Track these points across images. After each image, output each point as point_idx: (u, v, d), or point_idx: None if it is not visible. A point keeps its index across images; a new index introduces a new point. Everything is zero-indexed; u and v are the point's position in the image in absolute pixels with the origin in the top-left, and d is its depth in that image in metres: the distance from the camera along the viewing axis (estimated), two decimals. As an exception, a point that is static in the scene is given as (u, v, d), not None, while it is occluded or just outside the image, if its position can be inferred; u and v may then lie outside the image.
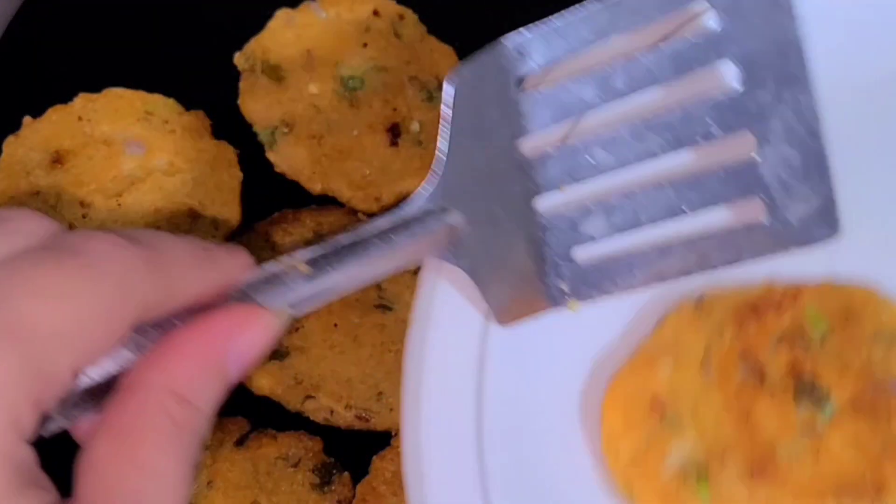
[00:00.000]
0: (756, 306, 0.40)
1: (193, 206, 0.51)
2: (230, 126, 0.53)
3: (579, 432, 0.40)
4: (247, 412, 0.47)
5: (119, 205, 0.50)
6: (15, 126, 0.52)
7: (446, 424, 0.38)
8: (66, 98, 0.52)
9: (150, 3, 0.57)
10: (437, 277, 0.40)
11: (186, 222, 0.50)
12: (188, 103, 0.53)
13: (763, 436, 0.39)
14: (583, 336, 0.41)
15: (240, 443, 0.46)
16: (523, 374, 0.40)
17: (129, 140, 0.52)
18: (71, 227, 0.50)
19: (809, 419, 0.39)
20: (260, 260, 0.51)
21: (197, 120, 0.53)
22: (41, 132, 0.52)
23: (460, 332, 0.39)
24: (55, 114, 0.52)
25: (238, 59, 0.54)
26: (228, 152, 0.52)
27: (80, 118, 0.52)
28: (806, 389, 0.39)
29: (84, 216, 0.50)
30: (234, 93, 0.53)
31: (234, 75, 0.54)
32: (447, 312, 0.40)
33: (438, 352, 0.39)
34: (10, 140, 0.52)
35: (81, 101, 0.52)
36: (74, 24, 0.56)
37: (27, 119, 0.52)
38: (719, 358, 0.40)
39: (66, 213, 0.50)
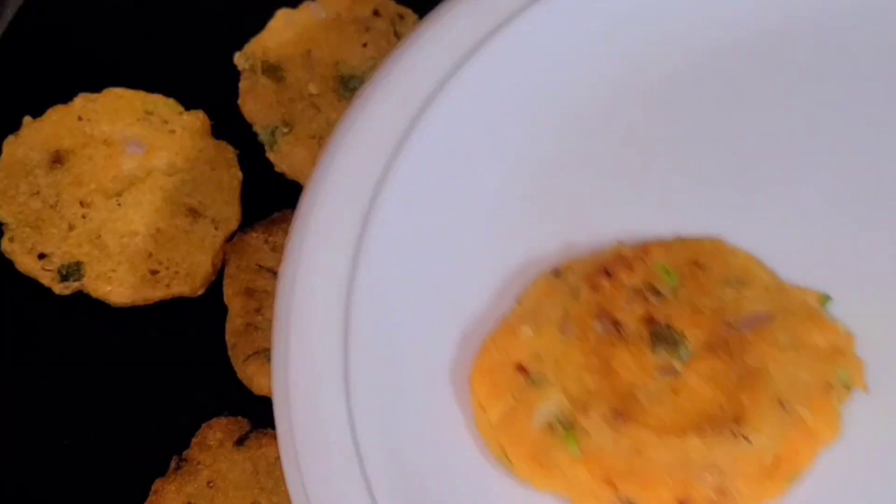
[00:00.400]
0: (608, 267, 0.42)
1: (193, 206, 0.51)
2: (230, 126, 0.53)
3: (452, 405, 0.41)
4: (247, 412, 0.47)
5: (119, 205, 0.50)
6: (15, 126, 0.52)
7: (314, 399, 0.39)
8: (66, 98, 0.52)
9: (150, 3, 0.57)
10: (301, 246, 0.41)
11: (186, 222, 0.50)
12: (188, 103, 0.53)
13: (623, 382, 0.40)
14: (449, 313, 0.42)
15: (240, 443, 0.46)
16: (391, 350, 0.41)
17: (129, 140, 0.52)
18: (71, 227, 0.50)
19: (667, 362, 0.40)
20: (259, 260, 0.51)
21: (197, 120, 0.53)
22: (41, 132, 0.52)
23: (322, 313, 0.40)
24: (55, 114, 0.52)
25: (238, 59, 0.54)
26: (228, 152, 0.52)
27: (80, 118, 0.52)
28: (661, 336, 0.41)
29: (84, 216, 0.50)
30: (234, 93, 0.53)
31: (234, 75, 0.54)
32: (310, 281, 0.41)
33: (303, 328, 0.40)
34: (10, 140, 0.52)
35: (81, 101, 0.52)
36: (74, 24, 0.56)
37: (27, 119, 0.52)
38: (577, 318, 0.41)
39: (66, 213, 0.50)
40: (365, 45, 0.54)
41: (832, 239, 0.44)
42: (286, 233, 0.50)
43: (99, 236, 0.50)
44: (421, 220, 0.43)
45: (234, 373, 0.48)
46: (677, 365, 0.40)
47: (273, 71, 0.54)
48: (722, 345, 0.40)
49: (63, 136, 0.52)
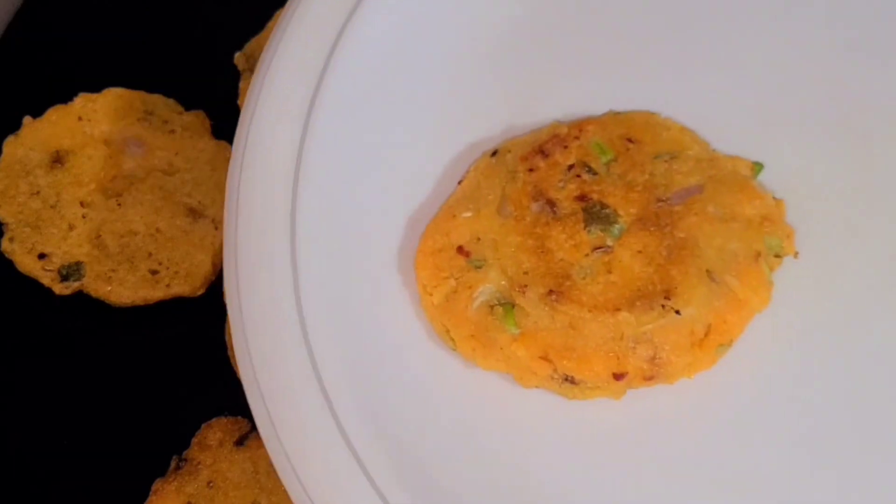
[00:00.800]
0: (544, 147, 0.43)
1: (193, 206, 0.51)
2: (230, 126, 0.53)
3: (400, 288, 0.42)
4: (247, 412, 0.47)
5: (119, 205, 0.50)
6: (15, 126, 0.52)
7: (263, 287, 0.40)
8: (66, 98, 0.52)
9: (150, 3, 0.57)
10: (251, 125, 0.42)
11: (186, 222, 0.50)
12: (188, 103, 0.53)
13: (559, 261, 0.41)
14: (395, 198, 0.43)
15: (240, 443, 0.46)
16: (338, 237, 0.41)
17: (129, 140, 0.52)
18: (71, 227, 0.50)
19: (600, 240, 0.41)
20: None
21: (197, 120, 0.53)
22: (41, 132, 0.52)
23: (269, 200, 0.41)
24: (55, 114, 0.52)
25: (238, 59, 0.54)
26: (228, 152, 0.52)
27: (80, 118, 0.52)
28: (594, 213, 0.41)
29: (84, 216, 0.50)
30: (234, 93, 0.53)
31: (234, 75, 0.54)
32: (258, 168, 0.41)
33: (251, 217, 0.41)
34: (10, 140, 0.52)
35: (81, 101, 0.52)
36: (74, 24, 0.56)
37: (27, 119, 0.52)
38: (514, 199, 0.42)
39: (66, 213, 0.50)
40: (365, 45, 0.54)
41: (764, 106, 0.44)
42: (286, 233, 0.50)
43: (99, 236, 0.50)
44: (365, 108, 0.44)
45: (234, 373, 0.48)
46: (610, 242, 0.41)
47: (273, 71, 0.54)
48: (653, 219, 0.41)
49: (63, 136, 0.52)
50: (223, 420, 0.47)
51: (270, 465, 0.46)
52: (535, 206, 0.42)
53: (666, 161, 0.43)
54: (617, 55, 0.45)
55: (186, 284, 0.49)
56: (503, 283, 0.41)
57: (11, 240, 0.50)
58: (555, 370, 0.39)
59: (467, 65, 0.45)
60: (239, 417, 0.47)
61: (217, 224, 0.50)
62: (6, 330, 0.50)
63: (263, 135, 0.42)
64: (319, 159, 0.42)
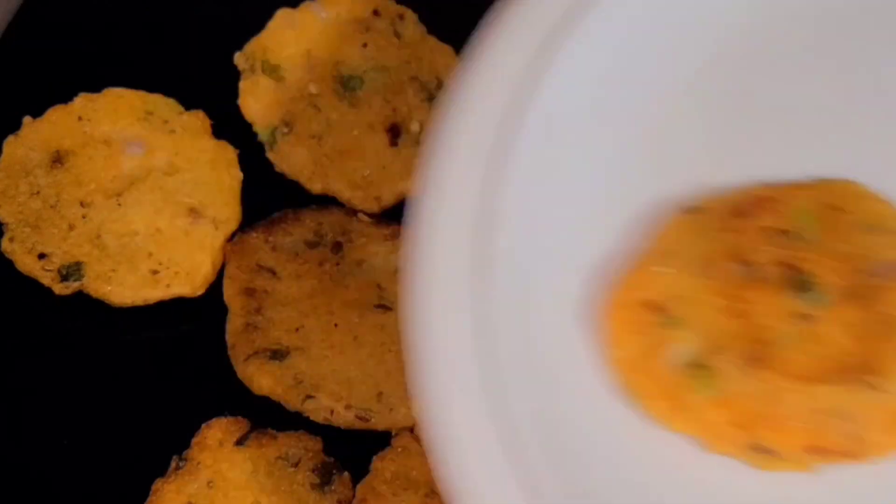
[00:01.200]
0: (747, 208, 0.42)
1: (193, 205, 0.51)
2: (230, 126, 0.53)
3: (582, 342, 0.41)
4: (247, 412, 0.47)
5: (119, 205, 0.50)
6: (15, 126, 0.52)
7: (444, 332, 0.38)
8: (66, 98, 0.52)
9: (149, 3, 0.57)
10: (435, 168, 0.40)
11: (186, 222, 0.50)
12: (188, 103, 0.53)
13: (757, 326, 0.39)
14: (578, 251, 0.42)
15: (240, 443, 0.46)
16: (518, 289, 0.40)
17: (129, 140, 0.52)
18: (71, 227, 0.50)
19: (802, 308, 0.40)
20: (259, 260, 0.51)
21: (197, 120, 0.53)
22: (41, 132, 0.52)
23: (454, 244, 0.40)
24: (55, 114, 0.52)
25: (238, 59, 0.54)
26: (228, 152, 0.52)
27: (80, 118, 0.52)
28: (797, 281, 0.40)
29: (84, 216, 0.50)
30: (234, 93, 0.53)
31: (234, 75, 0.54)
32: (440, 218, 0.40)
33: (433, 261, 0.39)
34: (10, 140, 0.52)
35: (81, 101, 0.52)
36: (74, 24, 0.56)
37: (27, 119, 0.52)
38: (712, 259, 0.41)
39: (66, 213, 0.50)
40: (365, 45, 0.54)
41: None
42: (286, 233, 0.50)
43: (99, 236, 0.50)
44: (556, 157, 0.42)
45: (234, 373, 0.48)
46: (812, 311, 0.39)
47: (273, 71, 0.54)
48: (857, 292, 0.40)
49: (63, 136, 0.52)
50: (223, 420, 0.47)
51: (270, 465, 0.46)
52: (735, 268, 0.40)
53: (871, 233, 0.41)
54: (816, 120, 0.44)
55: (186, 284, 0.49)
56: (699, 343, 0.39)
57: (11, 240, 0.50)
58: (749, 439, 0.38)
59: (663, 119, 0.44)
60: (239, 417, 0.47)
61: (217, 224, 0.50)
62: (6, 330, 0.50)
63: (446, 180, 0.40)
64: (506, 208, 0.40)
